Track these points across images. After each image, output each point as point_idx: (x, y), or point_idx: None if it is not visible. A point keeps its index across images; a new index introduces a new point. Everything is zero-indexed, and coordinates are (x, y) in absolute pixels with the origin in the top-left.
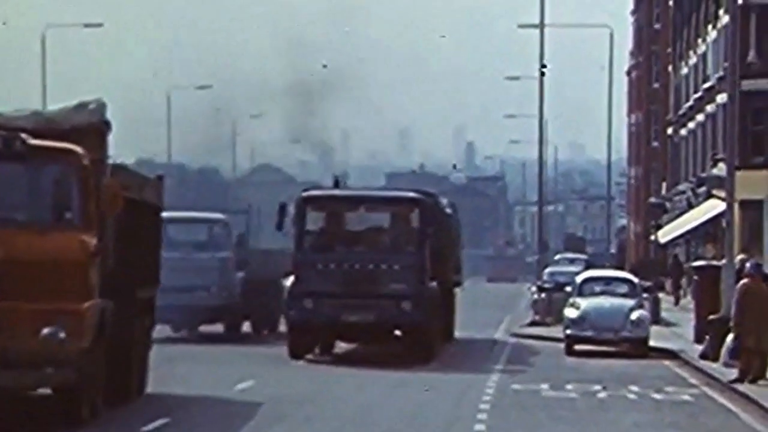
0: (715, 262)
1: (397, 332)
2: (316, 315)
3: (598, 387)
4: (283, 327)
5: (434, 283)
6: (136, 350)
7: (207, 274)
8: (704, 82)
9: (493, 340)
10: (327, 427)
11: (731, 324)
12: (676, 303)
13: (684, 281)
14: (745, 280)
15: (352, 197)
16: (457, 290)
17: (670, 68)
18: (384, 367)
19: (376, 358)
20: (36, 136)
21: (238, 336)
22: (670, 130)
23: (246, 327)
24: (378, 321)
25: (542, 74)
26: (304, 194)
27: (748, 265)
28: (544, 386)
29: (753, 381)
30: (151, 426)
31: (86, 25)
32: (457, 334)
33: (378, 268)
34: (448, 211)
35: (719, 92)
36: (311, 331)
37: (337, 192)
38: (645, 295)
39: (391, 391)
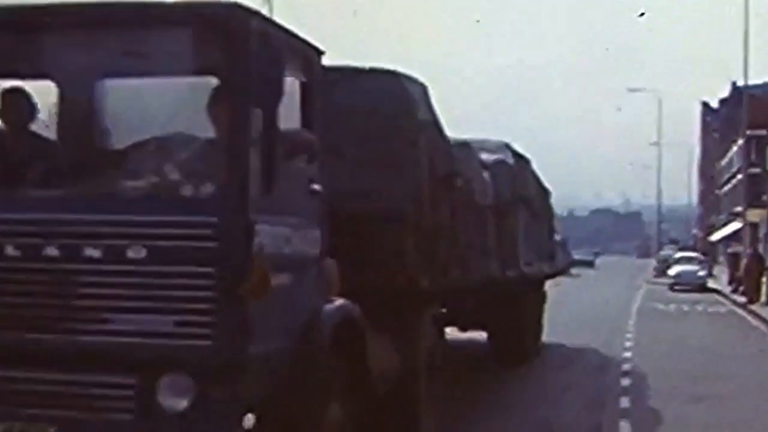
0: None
1: None
2: None
3: (684, 306)
4: None
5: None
6: None
7: None
8: None
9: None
10: None
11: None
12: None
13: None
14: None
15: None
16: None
17: None
18: None
19: None
20: None
21: None
22: None
23: None
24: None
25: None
26: None
27: None
28: (659, 304)
29: (752, 303)
30: None
31: None
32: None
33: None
34: (496, 157)
35: None
36: None
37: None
38: (705, 263)
39: None
